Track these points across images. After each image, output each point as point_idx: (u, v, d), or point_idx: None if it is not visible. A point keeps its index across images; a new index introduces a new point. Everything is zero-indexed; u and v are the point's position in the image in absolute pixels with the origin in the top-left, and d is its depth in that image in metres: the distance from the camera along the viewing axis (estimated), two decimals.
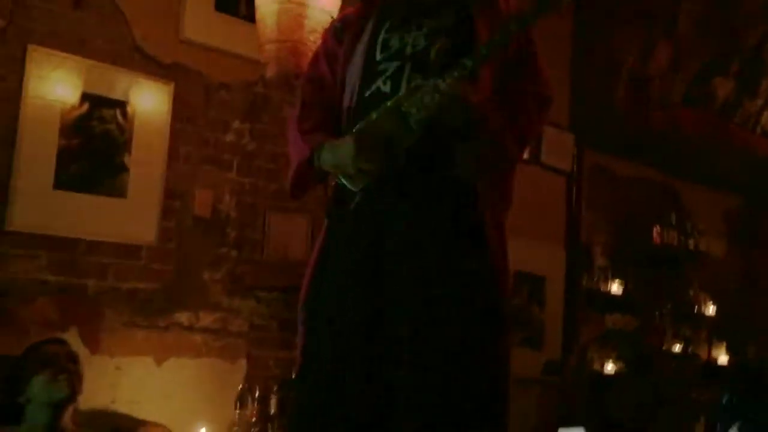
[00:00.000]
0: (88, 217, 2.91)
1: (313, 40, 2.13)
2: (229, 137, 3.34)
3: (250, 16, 3.31)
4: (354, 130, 1.58)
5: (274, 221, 3.44)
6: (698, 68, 4.92)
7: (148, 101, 3.07)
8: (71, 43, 2.90)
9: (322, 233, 1.71)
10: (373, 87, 1.62)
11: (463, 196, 1.58)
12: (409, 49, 1.61)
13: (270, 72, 2.18)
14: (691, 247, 5.42)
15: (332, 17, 2.22)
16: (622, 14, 4.34)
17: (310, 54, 1.97)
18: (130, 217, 3.02)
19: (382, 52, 1.63)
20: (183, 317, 3.15)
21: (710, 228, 5.67)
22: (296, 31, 2.15)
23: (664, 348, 5.25)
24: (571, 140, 4.30)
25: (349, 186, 1.60)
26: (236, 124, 3.36)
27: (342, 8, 2.29)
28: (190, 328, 3.17)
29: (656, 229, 5.24)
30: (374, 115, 1.55)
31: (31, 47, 2.79)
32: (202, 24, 3.23)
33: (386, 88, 1.59)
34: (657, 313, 5.23)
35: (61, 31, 2.88)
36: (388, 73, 1.60)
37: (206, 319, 3.21)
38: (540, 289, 4.02)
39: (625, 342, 4.62)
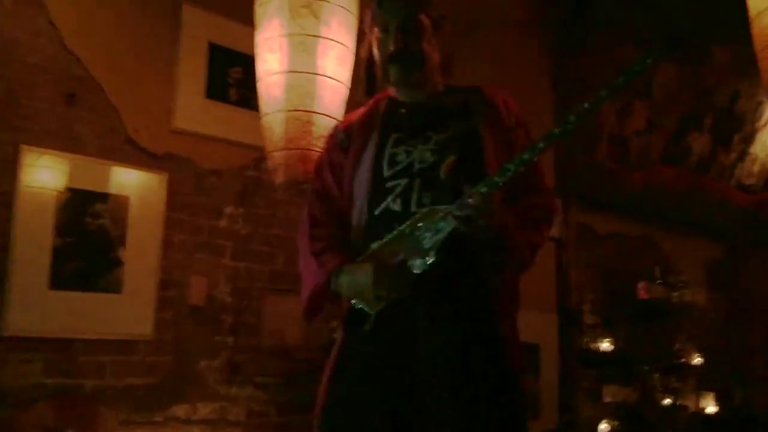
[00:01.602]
0: (84, 315, 2.86)
1: (320, 146, 2.13)
2: (223, 223, 3.32)
3: (239, 102, 3.36)
4: (369, 254, 1.58)
5: (270, 304, 3.40)
6: (674, 126, 5.04)
7: (143, 193, 3.05)
8: (64, 140, 2.88)
9: (336, 348, 1.69)
10: (383, 205, 1.61)
11: (481, 309, 1.59)
12: (417, 165, 1.61)
13: (279, 179, 2.17)
14: (676, 299, 5.48)
15: (338, 121, 2.23)
16: (600, 79, 4.43)
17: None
18: (126, 312, 2.97)
19: (390, 168, 1.63)
20: (180, 410, 3.08)
21: (693, 278, 5.75)
22: (304, 138, 2.15)
23: (654, 401, 5.26)
24: (558, 205, 4.35)
25: (365, 309, 1.60)
26: (229, 209, 3.35)
27: (345, 112, 2.30)
28: (188, 421, 3.11)
29: (641, 284, 5.30)
30: (388, 239, 1.55)
31: (23, 147, 2.76)
32: (193, 113, 3.24)
33: (396, 207, 1.59)
34: (646, 367, 5.25)
35: (53, 130, 2.86)
36: (397, 191, 1.60)
37: (204, 410, 3.15)
38: (535, 357, 4.02)
39: (621, 407, 4.63)
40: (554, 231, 4.31)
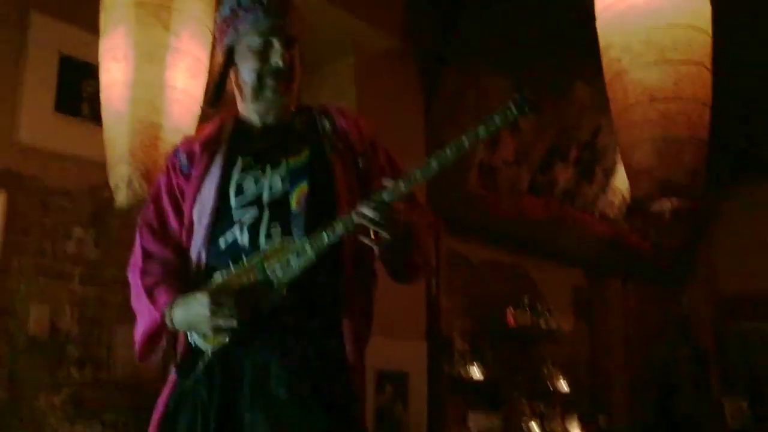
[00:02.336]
0: None
1: None
2: (71, 246, 3.08)
3: (93, 117, 3.13)
4: (210, 286, 1.46)
5: (122, 334, 3.17)
6: (540, 158, 5.21)
7: None
8: None
9: (167, 390, 1.55)
10: (229, 237, 1.50)
11: (329, 348, 1.49)
12: (266, 195, 1.51)
13: (120, 198, 2.02)
14: (543, 326, 5.62)
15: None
16: (470, 114, 4.52)
17: None
18: None
19: (237, 196, 1.52)
20: None
21: (559, 306, 5.93)
22: (150, 153, 2.01)
23: (521, 427, 5.35)
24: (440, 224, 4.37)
25: (201, 346, 1.48)
26: (78, 231, 3.11)
27: (199, 127, 2.18)
28: None
29: (510, 311, 5.40)
30: (233, 272, 1.45)
31: None
32: (39, 127, 3.00)
33: (244, 240, 1.49)
34: (515, 393, 5.34)
35: None
36: (245, 224, 1.49)
37: None
38: (404, 385, 3.97)
39: None
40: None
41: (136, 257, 1.60)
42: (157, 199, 1.63)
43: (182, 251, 1.58)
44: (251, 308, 1.43)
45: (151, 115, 2.04)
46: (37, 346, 2.92)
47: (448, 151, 1.44)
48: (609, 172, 5.76)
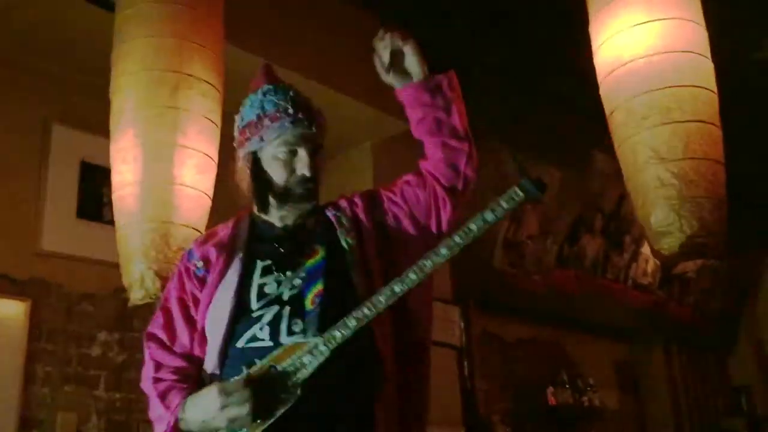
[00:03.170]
0: None
1: (179, 258, 1.99)
2: (95, 350, 3.08)
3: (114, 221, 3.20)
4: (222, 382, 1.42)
5: None
6: (566, 230, 5.15)
7: (0, 322, 2.80)
8: None
9: None
10: (248, 335, 1.46)
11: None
12: (286, 294, 1.49)
13: (134, 297, 2.01)
14: (586, 402, 5.41)
15: (200, 233, 2.11)
16: (487, 188, 4.52)
17: None
18: None
19: (258, 299, 1.49)
20: None
21: (601, 380, 5.72)
22: (161, 250, 2.02)
23: None
24: (456, 313, 4.29)
25: None
26: (103, 335, 3.12)
27: (207, 221, 2.19)
28: None
29: (550, 390, 5.22)
30: (247, 373, 1.40)
31: None
32: (61, 233, 3.06)
33: (264, 335, 1.45)
34: None
35: None
36: (264, 320, 1.46)
37: None
38: None
39: None
40: (454, 339, 4.23)
41: (148, 368, 1.56)
42: (166, 308, 1.60)
43: (192, 359, 1.54)
44: (266, 404, 1.37)
45: (162, 212, 2.05)
46: None
47: (456, 238, 1.43)
48: (638, 240, 5.65)
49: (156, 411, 1.50)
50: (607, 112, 2.29)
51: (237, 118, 1.63)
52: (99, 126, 3.17)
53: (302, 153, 1.56)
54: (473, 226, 1.43)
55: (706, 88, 2.12)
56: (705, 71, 2.15)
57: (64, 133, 3.18)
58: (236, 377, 1.40)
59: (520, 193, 1.43)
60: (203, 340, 1.52)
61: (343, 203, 1.65)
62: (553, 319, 5.39)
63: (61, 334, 2.99)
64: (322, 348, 1.38)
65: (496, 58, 4.49)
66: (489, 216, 1.43)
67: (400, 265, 1.49)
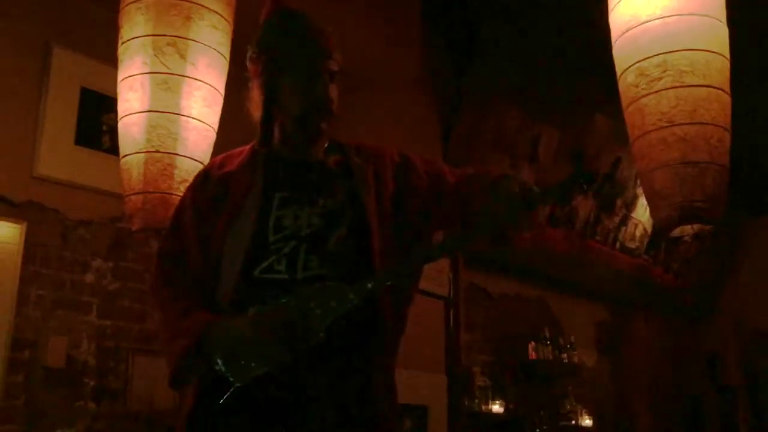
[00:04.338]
0: None
1: (183, 190, 1.99)
2: (89, 277, 3.09)
3: (113, 149, 3.17)
4: (246, 317, 1.39)
5: (139, 365, 3.16)
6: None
7: None
8: None
9: (183, 419, 1.47)
10: (264, 265, 1.46)
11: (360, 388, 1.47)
12: (304, 230, 1.48)
13: (135, 225, 2.01)
14: (565, 360, 5.53)
15: (203, 165, 2.11)
16: (488, 144, 4.53)
17: None
18: None
19: (276, 232, 1.49)
20: None
21: (581, 339, 5.83)
22: (164, 181, 2.01)
23: None
24: (446, 264, 4.34)
25: (230, 376, 1.39)
26: (97, 262, 3.13)
27: (211, 155, 2.18)
28: None
29: (531, 345, 5.32)
30: (269, 306, 1.39)
31: None
32: (59, 159, 3.04)
33: (281, 267, 1.45)
34: (537, 429, 5.22)
35: None
36: (283, 252, 1.46)
37: None
38: (423, 419, 3.90)
39: None
40: (443, 290, 4.28)
41: (158, 282, 1.54)
42: (180, 224, 1.57)
43: (203, 281, 1.52)
44: (289, 347, 1.37)
45: (167, 142, 2.04)
46: (53, 378, 2.91)
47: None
48: (629, 205, 5.70)
49: (174, 328, 1.47)
50: (618, 71, 2.27)
51: (249, 47, 1.60)
52: (100, 51, 3.16)
53: (319, 80, 1.53)
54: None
55: (719, 54, 2.11)
56: (720, 36, 2.14)
57: (64, 56, 3.13)
58: (265, 307, 1.39)
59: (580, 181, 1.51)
60: (217, 265, 1.50)
61: (370, 150, 1.64)
62: (540, 277, 5.46)
63: (55, 259, 2.99)
64: (352, 296, 1.39)
65: (504, 12, 4.45)
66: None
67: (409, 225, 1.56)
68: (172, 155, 2.04)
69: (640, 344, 6.48)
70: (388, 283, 1.43)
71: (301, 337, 1.36)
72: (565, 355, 5.52)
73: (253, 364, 1.37)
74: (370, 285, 1.40)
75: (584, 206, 5.43)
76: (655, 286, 6.36)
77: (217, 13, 2.16)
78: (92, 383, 3.02)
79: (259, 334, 1.36)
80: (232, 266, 1.48)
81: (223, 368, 1.39)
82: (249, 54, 1.59)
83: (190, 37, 2.09)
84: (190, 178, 1.99)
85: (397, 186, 1.61)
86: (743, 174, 5.74)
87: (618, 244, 5.81)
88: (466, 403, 4.64)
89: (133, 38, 2.12)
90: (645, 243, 6.07)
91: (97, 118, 3.19)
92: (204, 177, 1.61)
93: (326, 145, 1.62)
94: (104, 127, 3.20)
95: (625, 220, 5.82)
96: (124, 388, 3.10)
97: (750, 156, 5.55)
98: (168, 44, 2.06)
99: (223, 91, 2.23)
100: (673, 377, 6.67)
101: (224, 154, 1.65)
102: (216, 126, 2.22)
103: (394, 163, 1.64)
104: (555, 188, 1.51)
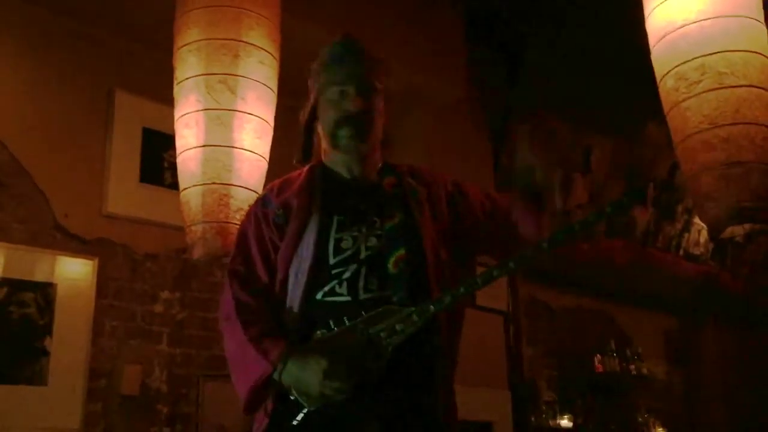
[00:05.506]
0: (7, 410, 2.72)
1: (239, 219, 2.10)
2: (158, 308, 3.24)
3: (174, 185, 3.33)
4: (318, 344, 1.46)
5: (209, 390, 3.28)
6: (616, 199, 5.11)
7: (71, 279, 2.98)
8: None
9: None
10: (326, 289, 1.52)
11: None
12: (363, 252, 1.53)
13: (197, 254, 2.13)
14: (633, 372, 5.43)
15: (257, 194, 2.21)
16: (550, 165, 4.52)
17: None
18: (52, 404, 2.85)
19: (335, 254, 1.54)
20: None
21: (650, 350, 5.72)
22: (222, 211, 2.13)
23: None
24: (503, 279, 4.34)
25: (303, 402, 1.47)
26: (165, 294, 3.28)
27: (264, 184, 2.29)
28: None
29: (597, 358, 5.25)
30: (336, 331, 1.46)
31: None
32: (126, 197, 3.21)
33: (342, 290, 1.50)
34: None
35: None
36: (344, 276, 1.51)
37: None
38: None
39: None
40: (500, 304, 4.29)
41: (229, 308, 1.57)
42: (245, 249, 1.61)
43: (270, 301, 1.57)
44: (359, 374, 1.43)
45: (222, 174, 2.16)
46: (129, 405, 3.05)
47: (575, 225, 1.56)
48: (691, 210, 5.59)
49: (246, 354, 1.50)
50: (657, 77, 2.29)
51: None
52: (159, 93, 3.33)
53: (351, 91, 1.59)
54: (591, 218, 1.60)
55: (758, 53, 2.11)
56: (758, 35, 2.14)
57: (126, 99, 3.32)
58: (333, 332, 1.45)
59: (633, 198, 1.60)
60: (283, 286, 1.56)
61: (425, 175, 1.70)
62: (601, 288, 5.39)
63: (126, 291, 3.15)
64: (416, 318, 1.45)
65: (548, 25, 4.47)
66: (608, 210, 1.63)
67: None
68: (227, 186, 2.16)
69: (711, 353, 6.30)
70: (450, 304, 1.48)
71: (370, 362, 1.42)
72: (633, 367, 5.43)
73: (324, 395, 1.43)
74: (432, 307, 1.46)
75: (643, 215, 5.36)
76: (724, 293, 6.19)
77: (263, 49, 2.28)
78: (165, 409, 3.15)
79: (331, 361, 1.41)
80: (296, 289, 1.54)
81: (296, 394, 1.46)
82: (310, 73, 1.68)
83: (239, 74, 2.22)
84: (246, 207, 2.10)
85: (450, 212, 1.66)
86: None
87: (682, 251, 5.70)
88: (533, 418, 4.61)
89: (186, 78, 2.26)
90: (710, 249, 5.93)
91: (159, 156, 3.36)
92: (264, 202, 1.65)
93: (380, 166, 1.68)
94: (166, 164, 3.37)
95: (688, 225, 5.71)
96: (195, 413, 3.22)
97: None
98: (219, 81, 2.19)
99: (272, 122, 2.34)
100: (749, 387, 6.45)
101: (281, 179, 1.69)
102: (267, 155, 2.33)
103: (448, 191, 1.69)
104: (605, 212, 1.63)
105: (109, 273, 3.11)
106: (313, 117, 1.66)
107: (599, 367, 5.21)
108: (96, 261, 3.06)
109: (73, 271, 2.99)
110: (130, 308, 3.15)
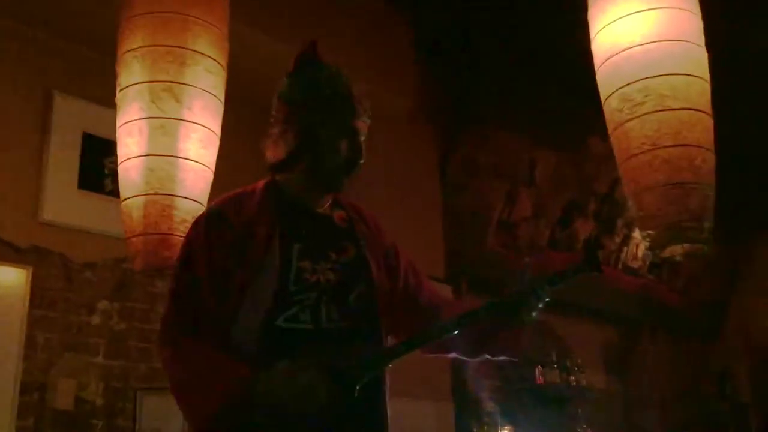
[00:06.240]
0: None
1: (182, 231, 2.05)
2: (95, 319, 3.14)
3: (115, 192, 3.23)
4: (283, 367, 1.41)
5: (148, 404, 3.19)
6: (559, 213, 5.22)
7: (2, 288, 2.88)
8: None
9: None
10: (289, 313, 1.49)
11: None
12: (323, 282, 1.54)
13: (138, 266, 2.07)
14: (573, 383, 5.51)
15: (202, 205, 2.17)
16: (486, 170, 4.58)
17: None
18: None
19: (296, 282, 1.51)
20: None
21: (589, 362, 5.82)
22: (165, 222, 2.07)
23: None
24: (448, 292, 4.36)
25: (269, 429, 1.41)
26: (103, 304, 3.18)
27: (209, 195, 2.24)
28: None
29: (538, 369, 5.31)
30: (306, 361, 1.42)
31: None
32: (63, 204, 3.11)
33: (306, 317, 1.49)
34: None
35: None
36: (306, 303, 1.50)
37: None
38: None
39: None
40: None
41: (175, 328, 1.51)
42: (193, 269, 1.53)
43: (219, 326, 1.50)
44: (328, 405, 1.40)
45: (165, 184, 2.10)
46: (63, 419, 2.95)
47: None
48: (630, 224, 5.72)
49: (213, 363, 1.45)
50: (602, 97, 2.34)
51: (284, 88, 1.63)
52: (101, 97, 3.24)
53: (358, 141, 1.61)
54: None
55: (699, 77, 2.18)
56: (699, 60, 2.20)
57: (66, 102, 3.22)
58: (300, 362, 1.41)
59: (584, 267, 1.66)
60: (236, 314, 1.50)
61: (369, 220, 1.72)
62: None
63: (61, 302, 3.05)
64: (383, 361, 1.49)
65: (497, 39, 4.53)
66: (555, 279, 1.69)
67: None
68: (170, 196, 2.10)
69: (648, 364, 6.45)
70: (419, 346, 1.52)
71: (339, 396, 1.40)
72: (573, 378, 5.50)
73: (293, 420, 1.40)
74: (403, 348, 1.49)
75: (584, 228, 5.47)
76: (661, 305, 6.36)
77: (210, 57, 2.23)
78: (101, 424, 3.05)
79: (300, 392, 1.38)
80: (253, 314, 1.49)
81: (267, 410, 1.40)
82: (280, 94, 1.63)
83: (186, 82, 2.16)
84: (190, 218, 2.05)
85: (384, 265, 1.68)
86: (748, 191, 5.79)
87: (620, 265, 5.83)
88: (475, 430, 4.64)
89: (130, 85, 2.20)
90: (648, 262, 6.09)
91: (99, 162, 3.26)
92: (220, 220, 1.57)
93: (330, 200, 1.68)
94: (106, 171, 3.27)
95: (626, 240, 5.85)
96: (132, 428, 3.13)
97: (755, 174, 5.60)
98: (164, 90, 2.13)
99: (219, 132, 2.30)
100: (684, 396, 6.63)
101: (235, 194, 1.62)
102: (213, 166, 2.28)
103: (385, 246, 1.71)
104: (557, 278, 1.68)
105: (44, 282, 3.00)
106: (307, 147, 1.60)
107: (540, 379, 5.27)
108: (30, 270, 2.95)
109: (6, 280, 2.88)
110: (65, 319, 3.05)
